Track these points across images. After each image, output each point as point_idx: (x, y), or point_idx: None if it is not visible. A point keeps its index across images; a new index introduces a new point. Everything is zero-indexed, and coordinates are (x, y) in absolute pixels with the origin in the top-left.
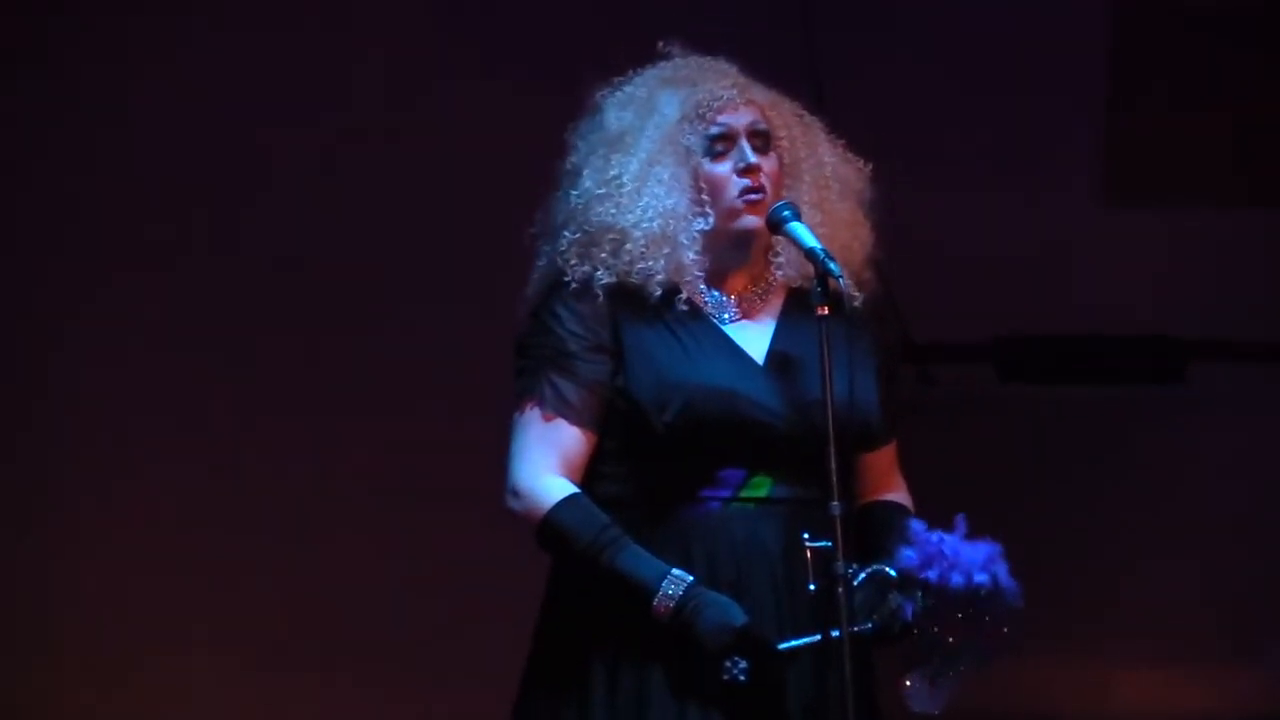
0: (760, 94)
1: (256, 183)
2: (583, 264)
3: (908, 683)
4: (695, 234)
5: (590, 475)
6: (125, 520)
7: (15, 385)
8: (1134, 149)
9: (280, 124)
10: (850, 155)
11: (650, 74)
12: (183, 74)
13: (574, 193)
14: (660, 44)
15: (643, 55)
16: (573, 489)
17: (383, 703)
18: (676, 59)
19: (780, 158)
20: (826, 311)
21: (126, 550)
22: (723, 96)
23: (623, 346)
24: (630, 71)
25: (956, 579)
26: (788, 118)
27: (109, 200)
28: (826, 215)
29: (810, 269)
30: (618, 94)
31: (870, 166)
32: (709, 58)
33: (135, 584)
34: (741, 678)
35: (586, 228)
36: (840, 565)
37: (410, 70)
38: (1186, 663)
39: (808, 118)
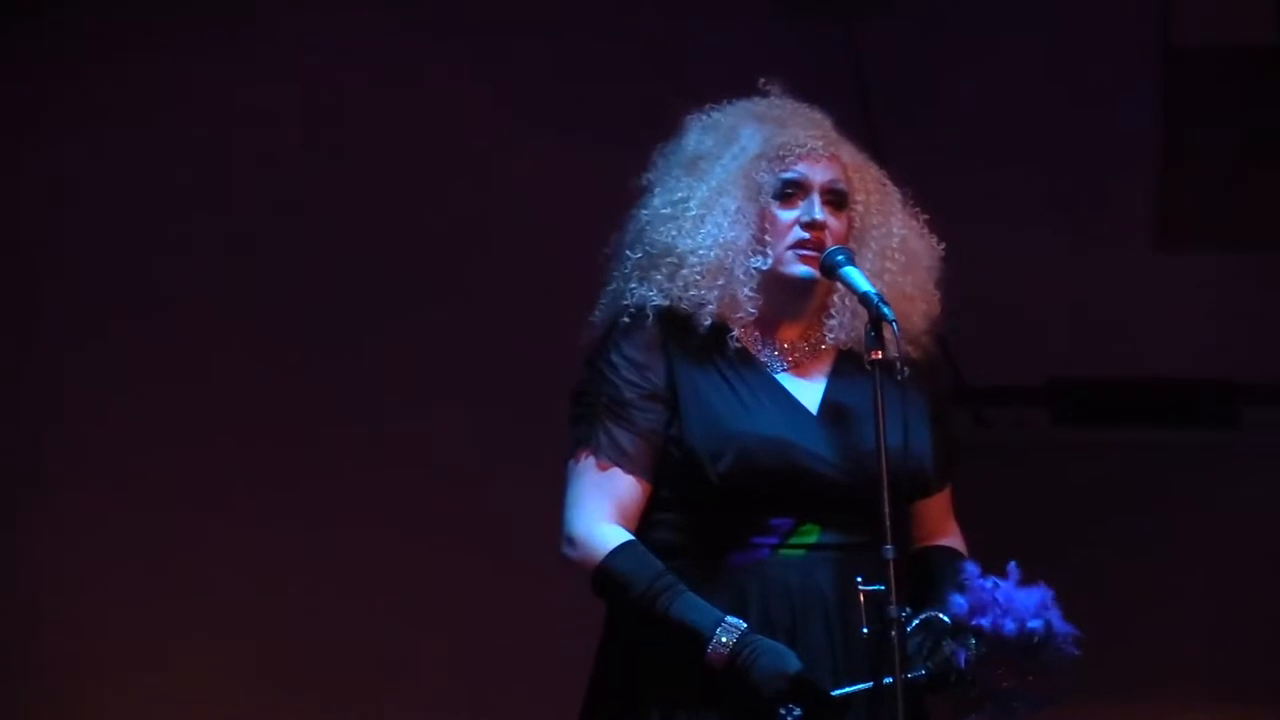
0: (848, 154)
1: (282, 225)
2: (640, 286)
3: None
4: (752, 270)
5: (644, 522)
6: (122, 541)
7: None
8: (1188, 193)
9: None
10: (925, 231)
11: (742, 105)
12: (210, 113)
13: (643, 211)
14: (761, 81)
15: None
16: (628, 536)
17: None
18: (773, 98)
19: (851, 221)
20: (880, 356)
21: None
22: (806, 145)
23: (678, 395)
24: (724, 101)
25: (1009, 626)
26: (869, 183)
27: (114, 219)
28: (886, 286)
29: (864, 329)
30: (705, 118)
31: (944, 246)
32: (806, 105)
33: (129, 607)
34: None
35: (648, 248)
36: (893, 609)
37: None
38: (1244, 708)
39: (890, 187)
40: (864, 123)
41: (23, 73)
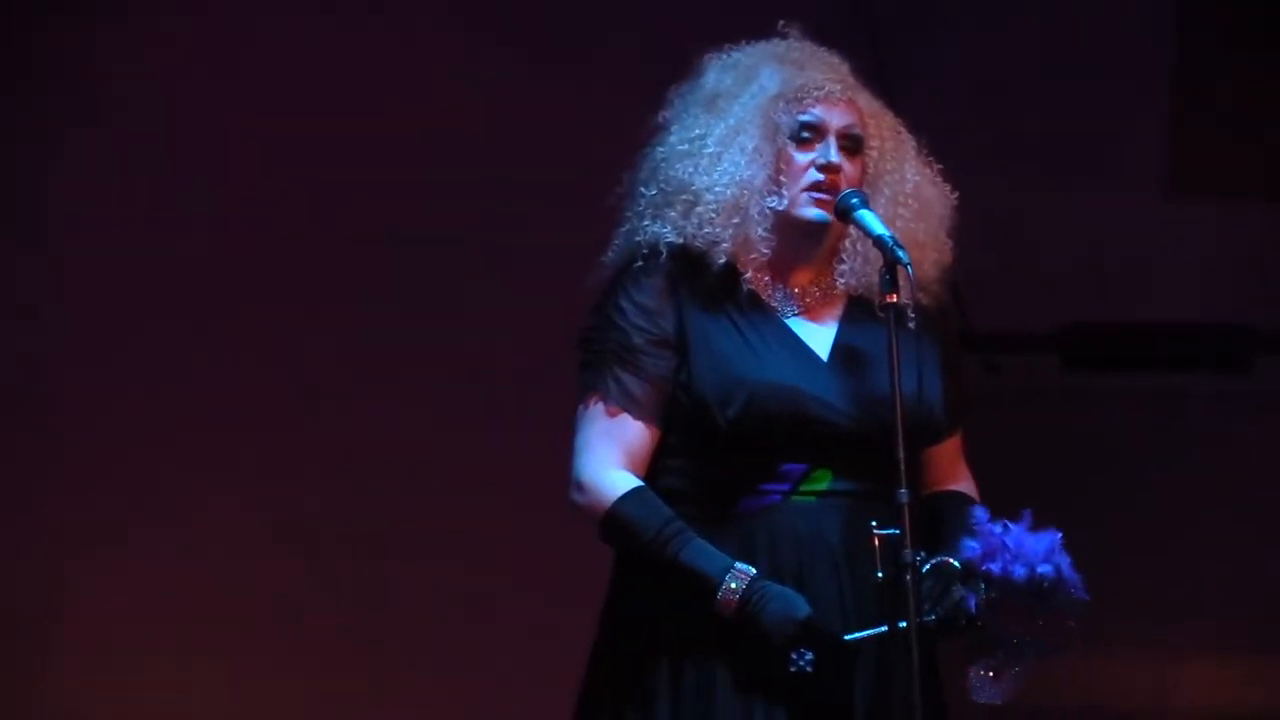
0: (865, 100)
1: (284, 202)
2: (654, 224)
3: (971, 674)
4: (766, 210)
5: (653, 469)
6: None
7: (14, 394)
8: (1200, 139)
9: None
10: (938, 179)
11: (761, 47)
12: (213, 82)
13: (659, 149)
14: (780, 23)
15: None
16: (636, 482)
17: (431, 699)
18: (792, 40)
19: (865, 166)
20: (894, 300)
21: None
22: (824, 87)
23: (687, 340)
24: (743, 41)
25: (1019, 571)
26: (884, 130)
27: (129, 203)
28: (899, 233)
29: (875, 275)
30: (723, 58)
31: (957, 195)
32: (824, 49)
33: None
34: (807, 669)
35: (664, 185)
36: (909, 553)
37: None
38: (1250, 656)
39: (904, 134)
40: (875, 69)
41: (18, 67)
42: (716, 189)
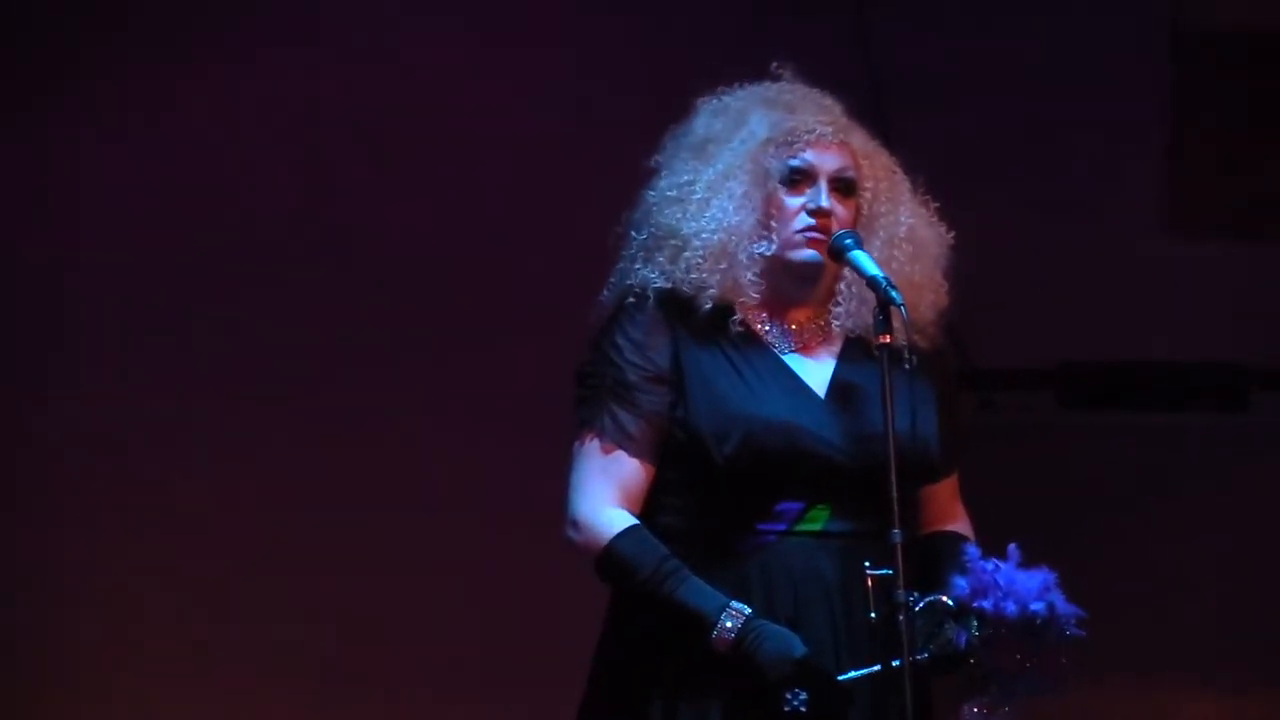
0: (859, 140)
1: (285, 217)
2: (644, 268)
3: (964, 712)
4: (755, 255)
5: (649, 506)
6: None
7: (15, 395)
8: (1198, 178)
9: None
10: (934, 219)
11: (753, 90)
12: (216, 103)
13: (650, 193)
14: (774, 65)
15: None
16: (632, 520)
17: None
18: (784, 82)
19: (859, 208)
20: (888, 340)
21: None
22: (815, 131)
23: (683, 377)
24: (735, 84)
25: (1010, 608)
26: (878, 170)
27: (128, 203)
28: (893, 275)
29: (870, 317)
30: (715, 102)
31: (953, 234)
32: (817, 90)
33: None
34: (802, 709)
35: (653, 230)
36: (901, 593)
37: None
38: (1247, 689)
39: (899, 175)
40: (874, 108)
41: (21, 58)
42: (704, 235)
